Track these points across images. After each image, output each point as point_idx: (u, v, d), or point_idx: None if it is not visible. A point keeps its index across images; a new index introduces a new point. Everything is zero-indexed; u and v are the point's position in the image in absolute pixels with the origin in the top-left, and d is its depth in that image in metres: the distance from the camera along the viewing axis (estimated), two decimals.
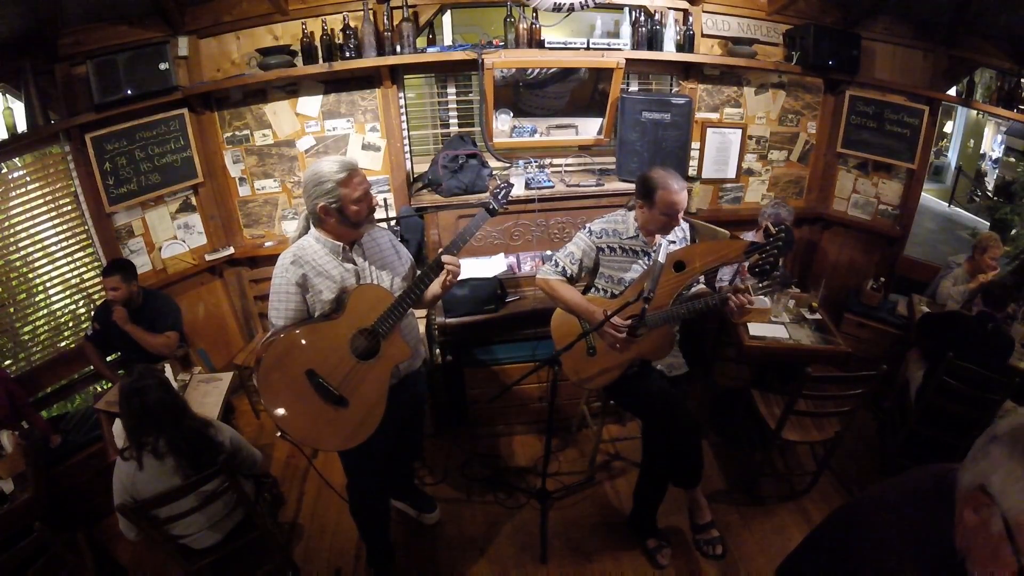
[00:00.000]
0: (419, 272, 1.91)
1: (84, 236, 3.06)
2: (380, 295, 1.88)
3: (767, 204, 3.59)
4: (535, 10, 3.03)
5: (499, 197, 1.99)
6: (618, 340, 2.18)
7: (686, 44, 3.39)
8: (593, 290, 2.39)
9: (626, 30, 3.34)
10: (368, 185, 1.86)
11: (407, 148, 3.52)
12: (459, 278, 1.99)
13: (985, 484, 0.84)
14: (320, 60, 3.11)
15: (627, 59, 3.19)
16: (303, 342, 1.81)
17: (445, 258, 1.89)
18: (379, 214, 3.23)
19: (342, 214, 1.80)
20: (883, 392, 3.26)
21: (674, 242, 2.29)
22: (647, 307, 1.99)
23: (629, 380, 2.31)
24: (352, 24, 3.06)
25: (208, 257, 3.45)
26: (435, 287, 1.94)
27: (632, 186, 2.35)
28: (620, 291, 2.27)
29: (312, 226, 1.90)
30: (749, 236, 3.50)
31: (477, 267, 3.02)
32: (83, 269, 3.10)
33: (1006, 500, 0.81)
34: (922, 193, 3.96)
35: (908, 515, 0.96)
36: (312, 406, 1.80)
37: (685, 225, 2.36)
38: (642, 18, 3.33)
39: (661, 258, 2.06)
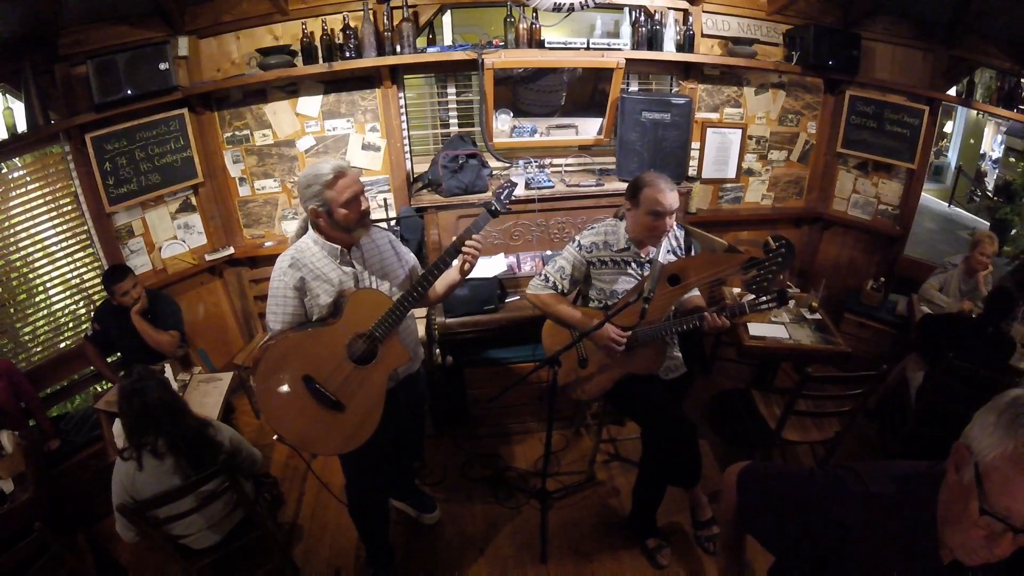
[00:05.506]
0: (432, 263, 1.86)
1: (84, 236, 3.06)
2: (378, 300, 1.86)
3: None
4: (535, 10, 3.02)
5: (502, 197, 1.93)
6: (616, 351, 2.15)
7: (686, 44, 3.39)
8: (582, 299, 2.38)
9: (626, 30, 3.34)
10: (359, 188, 1.77)
11: (407, 148, 3.52)
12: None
13: (966, 440, 0.91)
14: (320, 60, 3.11)
15: (627, 59, 3.19)
16: (300, 347, 1.80)
17: (469, 241, 1.83)
18: (379, 214, 3.23)
19: (331, 218, 1.77)
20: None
21: (671, 251, 2.27)
22: (647, 307, 1.98)
23: (624, 385, 2.29)
24: (352, 24, 3.06)
25: (208, 257, 3.45)
26: (453, 274, 1.92)
27: None
28: (613, 303, 2.23)
29: (310, 228, 1.88)
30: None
31: (477, 267, 3.00)
32: (83, 269, 3.10)
33: (978, 444, 0.87)
34: (922, 193, 3.96)
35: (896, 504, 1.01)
36: (308, 411, 1.79)
37: (680, 232, 2.34)
38: (642, 18, 3.33)
39: (661, 258, 2.06)
